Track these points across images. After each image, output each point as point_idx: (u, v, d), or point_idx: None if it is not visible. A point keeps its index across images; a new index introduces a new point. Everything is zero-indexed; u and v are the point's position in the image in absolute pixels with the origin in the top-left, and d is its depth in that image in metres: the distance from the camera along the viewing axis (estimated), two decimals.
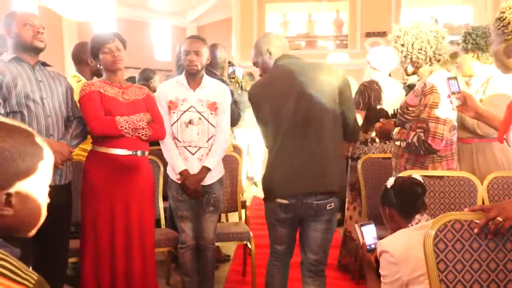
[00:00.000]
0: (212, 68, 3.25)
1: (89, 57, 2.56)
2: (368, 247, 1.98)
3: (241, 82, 4.64)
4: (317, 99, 2.13)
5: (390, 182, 1.98)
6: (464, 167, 2.67)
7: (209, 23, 15.23)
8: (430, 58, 2.38)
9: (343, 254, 3.51)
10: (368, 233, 2.00)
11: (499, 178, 2.38)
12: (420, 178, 1.98)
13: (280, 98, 2.18)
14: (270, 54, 2.32)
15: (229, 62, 3.51)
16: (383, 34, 12.15)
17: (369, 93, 3.30)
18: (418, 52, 2.37)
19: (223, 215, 4.11)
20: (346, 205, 3.59)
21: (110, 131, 2.39)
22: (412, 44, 2.37)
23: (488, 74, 2.69)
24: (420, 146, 2.27)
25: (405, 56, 2.43)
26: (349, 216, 3.48)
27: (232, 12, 12.95)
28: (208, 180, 2.72)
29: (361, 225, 2.03)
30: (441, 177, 2.33)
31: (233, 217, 3.88)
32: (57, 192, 2.33)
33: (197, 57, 2.62)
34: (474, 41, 2.69)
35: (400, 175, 2.22)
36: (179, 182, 2.68)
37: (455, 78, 2.07)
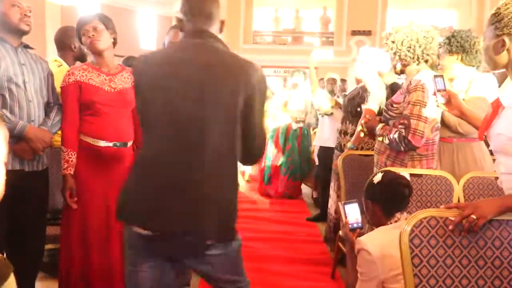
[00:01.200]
0: None
1: (75, 41, 2.50)
2: (350, 225, 1.96)
3: None
4: (210, 103, 1.53)
5: (378, 177, 1.93)
6: (445, 165, 2.71)
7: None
8: (418, 57, 2.40)
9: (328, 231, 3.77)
10: (352, 212, 1.97)
11: (475, 178, 2.43)
12: (408, 177, 1.96)
13: (164, 87, 1.57)
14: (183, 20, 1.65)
15: None
16: (368, 33, 12.27)
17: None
18: (407, 50, 2.40)
19: None
20: (331, 192, 3.70)
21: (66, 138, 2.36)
22: (402, 42, 2.40)
23: (470, 77, 2.74)
24: (400, 142, 2.31)
25: (394, 53, 2.45)
26: (332, 199, 3.60)
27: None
28: None
29: (345, 204, 2.00)
30: (419, 175, 2.38)
31: None
32: (34, 178, 2.31)
33: None
34: (459, 43, 2.73)
35: (386, 169, 2.16)
36: None
37: (441, 76, 2.09)
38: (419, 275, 1.38)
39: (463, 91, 2.72)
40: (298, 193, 5.96)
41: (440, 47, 2.79)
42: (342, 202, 2.02)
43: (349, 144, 3.57)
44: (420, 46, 2.38)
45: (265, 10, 13.62)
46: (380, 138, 2.47)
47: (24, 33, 2.28)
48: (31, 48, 2.41)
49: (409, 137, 2.26)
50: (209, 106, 1.53)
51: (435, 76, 2.09)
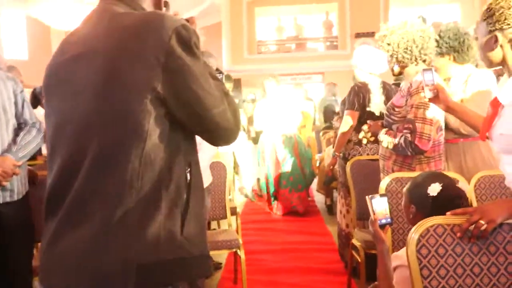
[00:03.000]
0: None
1: None
2: (379, 222, 1.79)
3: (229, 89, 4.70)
4: (110, 98, 1.08)
5: (434, 190, 1.63)
6: (452, 166, 2.65)
7: (199, 28, 15.16)
8: (416, 58, 2.36)
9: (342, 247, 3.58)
10: (380, 207, 1.81)
11: (486, 177, 2.35)
12: (465, 189, 1.70)
13: (65, 78, 1.16)
14: None
15: (217, 69, 3.48)
16: (372, 35, 12.11)
17: (364, 94, 3.30)
18: (404, 52, 2.36)
19: (215, 222, 4.09)
20: (338, 199, 3.61)
21: None
22: (398, 44, 2.36)
23: (466, 74, 2.68)
24: (407, 147, 2.25)
25: (391, 56, 2.41)
26: (342, 213, 3.50)
27: (222, 17, 12.95)
28: None
29: (372, 198, 1.82)
30: None
31: (226, 224, 3.84)
32: (9, 209, 2.14)
33: None
34: (448, 44, 2.68)
35: (446, 181, 1.69)
36: None
37: (430, 69, 2.02)
38: (429, 287, 1.32)
39: (461, 90, 2.66)
40: (306, 205, 5.51)
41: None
42: (369, 196, 1.84)
43: (331, 153, 3.53)
44: (417, 47, 2.34)
45: (268, 19, 13.64)
46: (384, 144, 2.41)
47: None
48: None
49: (416, 142, 2.21)
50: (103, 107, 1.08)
51: (424, 70, 2.00)
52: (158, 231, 1.07)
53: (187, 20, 1.32)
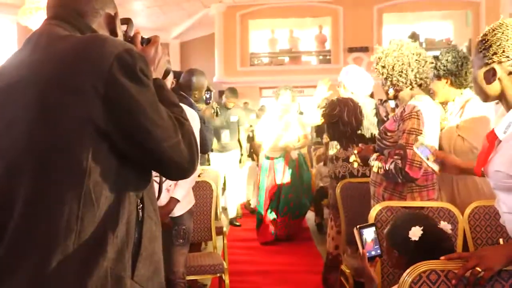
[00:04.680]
0: (185, 92, 3.13)
1: None
2: (368, 254, 1.71)
3: (217, 107, 4.49)
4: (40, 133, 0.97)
5: (416, 233, 1.56)
6: (445, 195, 2.57)
7: (192, 39, 15.16)
8: (411, 82, 2.28)
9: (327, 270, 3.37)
10: (369, 238, 1.74)
11: (480, 207, 2.25)
12: (449, 230, 1.62)
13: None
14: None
15: (207, 88, 3.40)
16: (365, 49, 12.20)
17: (342, 107, 3.18)
18: (399, 75, 2.28)
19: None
20: (328, 229, 3.48)
21: None
22: (393, 66, 2.29)
23: (465, 98, 2.61)
24: (397, 174, 2.16)
25: (385, 78, 2.34)
26: (330, 236, 3.36)
27: (215, 28, 12.92)
28: (178, 211, 2.57)
29: (361, 228, 1.74)
30: (420, 208, 2.21)
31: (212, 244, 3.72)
32: None
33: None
34: (445, 67, 2.60)
35: (427, 223, 1.62)
36: None
37: (422, 144, 1.95)
38: None
39: (457, 115, 2.58)
40: (299, 231, 5.15)
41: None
42: (357, 227, 1.76)
43: (321, 170, 3.44)
44: (412, 70, 2.26)
45: (261, 32, 13.62)
46: (375, 169, 2.31)
47: None
48: None
49: (406, 169, 2.11)
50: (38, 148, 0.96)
51: (416, 147, 1.93)
52: (104, 279, 0.95)
53: (149, 40, 1.23)
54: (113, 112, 0.95)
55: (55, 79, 0.96)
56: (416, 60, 2.27)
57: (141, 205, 1.05)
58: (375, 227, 1.77)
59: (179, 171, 1.08)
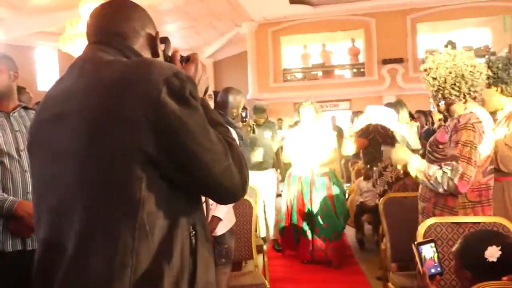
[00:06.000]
0: (222, 111, 3.14)
1: None
2: (429, 272, 1.61)
3: (253, 125, 4.35)
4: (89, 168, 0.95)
5: (494, 254, 1.44)
6: (496, 207, 2.45)
7: (225, 58, 15.38)
8: (464, 95, 2.16)
9: None
10: (428, 255, 1.64)
11: None
12: None
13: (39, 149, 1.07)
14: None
15: (244, 107, 3.42)
16: (400, 61, 12.02)
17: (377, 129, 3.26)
18: (451, 88, 2.16)
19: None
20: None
21: None
22: (445, 79, 2.17)
23: (509, 109, 2.51)
24: (442, 183, 2.06)
25: (436, 91, 2.22)
26: None
27: (247, 46, 13.06)
28: (220, 230, 2.56)
29: (419, 244, 1.64)
30: (472, 224, 2.11)
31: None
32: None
33: (210, 100, 2.53)
34: (496, 75, 2.50)
35: (503, 242, 1.50)
36: None
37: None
38: None
39: (505, 124, 2.48)
40: (345, 254, 4.73)
41: None
42: (416, 243, 1.66)
43: (361, 185, 3.52)
44: (466, 83, 2.14)
45: (293, 48, 13.66)
46: (412, 173, 2.22)
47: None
48: (32, 109, 2.19)
49: (456, 181, 2.02)
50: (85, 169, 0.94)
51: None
52: None
53: (188, 58, 1.20)
54: (163, 138, 0.92)
55: (103, 109, 0.93)
56: (471, 72, 2.14)
57: (194, 232, 1.01)
58: (434, 243, 1.68)
59: (230, 195, 1.04)
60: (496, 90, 2.53)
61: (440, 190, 2.10)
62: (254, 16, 12.21)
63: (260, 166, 5.19)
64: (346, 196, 5.75)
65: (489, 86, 2.51)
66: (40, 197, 1.04)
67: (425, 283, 1.61)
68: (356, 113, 8.73)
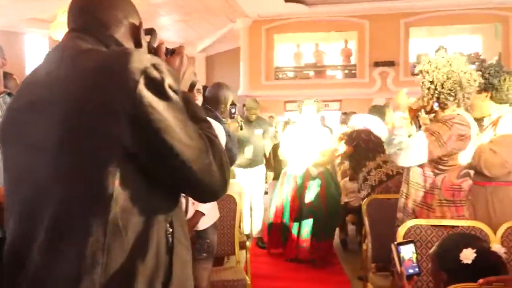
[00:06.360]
0: (211, 106, 3.14)
1: None
2: (407, 272, 1.63)
3: (241, 121, 4.26)
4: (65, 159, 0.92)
5: (469, 256, 1.45)
6: (480, 211, 2.49)
7: (217, 53, 15.35)
8: (459, 101, 2.20)
9: None
10: (407, 255, 1.66)
11: None
12: (503, 255, 1.49)
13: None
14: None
15: (232, 102, 3.42)
16: (391, 64, 12.09)
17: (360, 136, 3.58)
18: (448, 93, 2.19)
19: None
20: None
21: None
22: (442, 84, 2.19)
23: (496, 115, 2.54)
24: (393, 147, 2.21)
25: (432, 94, 2.24)
26: None
27: (241, 42, 13.04)
28: (202, 225, 2.56)
29: (399, 245, 1.66)
30: (451, 227, 2.15)
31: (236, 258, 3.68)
32: None
33: (198, 95, 2.56)
34: (487, 81, 2.53)
35: (479, 246, 1.51)
36: None
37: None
38: None
39: (491, 129, 2.51)
40: (329, 254, 4.67)
41: None
42: (396, 243, 1.68)
43: (347, 185, 3.64)
44: (462, 90, 2.17)
45: (286, 46, 13.67)
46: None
47: None
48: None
49: (399, 152, 2.18)
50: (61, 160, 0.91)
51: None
52: None
53: (173, 50, 1.17)
54: (140, 131, 0.89)
55: (79, 100, 0.90)
56: (468, 80, 2.17)
57: (170, 230, 0.99)
58: (413, 244, 1.69)
59: (210, 194, 1.02)
60: (486, 96, 2.57)
61: (387, 150, 2.25)
62: (248, 12, 12.19)
63: (249, 164, 5.15)
64: None
65: (479, 91, 2.54)
66: (13, 188, 1.01)
67: (402, 283, 1.63)
68: (346, 114, 8.85)
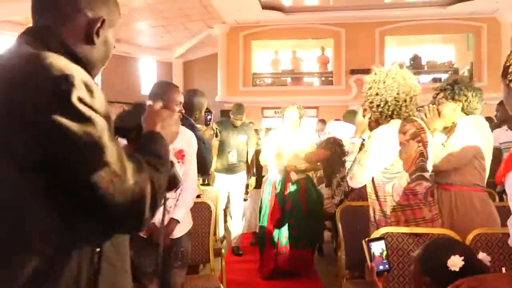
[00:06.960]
0: (185, 113, 3.13)
1: None
2: (377, 268, 1.67)
3: (216, 129, 4.19)
4: None
5: (457, 263, 1.41)
6: (444, 214, 2.57)
7: (195, 59, 15.30)
8: (400, 115, 2.31)
9: None
10: (377, 252, 1.70)
11: (482, 235, 2.21)
12: (488, 262, 1.48)
13: None
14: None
15: (207, 109, 3.40)
16: (367, 71, 12.22)
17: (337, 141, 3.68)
18: (377, 107, 2.33)
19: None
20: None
21: None
22: (388, 99, 2.30)
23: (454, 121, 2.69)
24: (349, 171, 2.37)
25: (377, 106, 2.35)
26: None
27: (218, 49, 13.03)
28: (177, 232, 2.54)
29: (369, 241, 1.70)
30: (420, 234, 2.18)
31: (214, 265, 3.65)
32: None
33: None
34: (463, 92, 2.65)
35: (467, 253, 1.48)
36: (144, 236, 2.49)
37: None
38: None
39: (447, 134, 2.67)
40: (308, 265, 4.52)
41: (439, 92, 2.72)
42: (366, 240, 1.72)
43: (324, 191, 3.72)
44: (407, 106, 2.30)
45: (264, 53, 13.74)
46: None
47: None
48: None
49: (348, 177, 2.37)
50: None
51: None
52: None
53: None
54: (44, 147, 0.81)
55: None
56: (414, 95, 2.30)
57: (97, 256, 0.91)
58: (384, 241, 1.74)
59: (121, 226, 0.91)
60: (458, 105, 2.66)
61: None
62: (226, 19, 12.21)
63: (232, 169, 5.09)
64: None
65: (454, 100, 2.64)
66: None
67: (372, 278, 1.67)
68: (323, 121, 8.93)
